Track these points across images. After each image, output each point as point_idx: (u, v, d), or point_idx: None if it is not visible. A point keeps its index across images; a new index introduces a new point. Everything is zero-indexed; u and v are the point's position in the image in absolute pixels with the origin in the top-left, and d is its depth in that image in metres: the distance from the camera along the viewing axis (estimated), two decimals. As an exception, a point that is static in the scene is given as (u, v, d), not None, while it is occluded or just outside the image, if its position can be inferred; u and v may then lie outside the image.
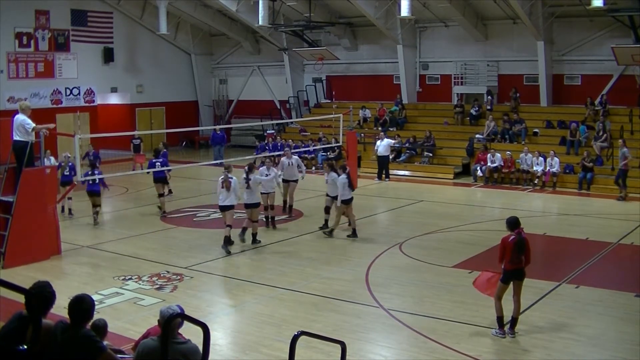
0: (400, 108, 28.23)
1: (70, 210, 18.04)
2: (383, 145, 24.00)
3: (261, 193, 15.58)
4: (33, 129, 13.06)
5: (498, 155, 23.13)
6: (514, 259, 9.15)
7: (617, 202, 19.77)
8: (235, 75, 35.33)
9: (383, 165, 24.13)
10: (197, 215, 18.24)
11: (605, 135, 22.59)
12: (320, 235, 15.53)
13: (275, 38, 31.46)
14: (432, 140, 25.61)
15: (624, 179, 20.17)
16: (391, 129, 27.10)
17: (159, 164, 18.07)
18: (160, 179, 18.18)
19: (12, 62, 27.59)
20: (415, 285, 11.98)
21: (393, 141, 24.68)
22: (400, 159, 25.70)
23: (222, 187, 14.03)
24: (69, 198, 17.60)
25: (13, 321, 5.39)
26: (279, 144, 26.74)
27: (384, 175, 24.05)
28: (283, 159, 17.76)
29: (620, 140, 21.02)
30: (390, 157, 24.92)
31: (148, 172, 18.70)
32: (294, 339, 5.47)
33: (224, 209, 14.20)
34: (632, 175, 21.06)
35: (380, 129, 27.02)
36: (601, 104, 24.06)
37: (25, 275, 11.62)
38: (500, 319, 9.30)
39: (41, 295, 4.90)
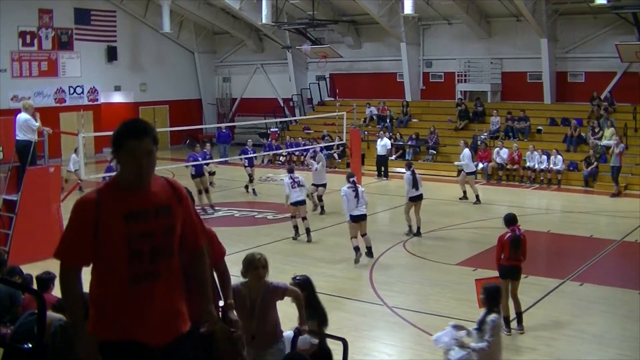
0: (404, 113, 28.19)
1: None
2: (381, 145, 23.96)
3: None
4: (38, 129, 13.12)
5: (505, 149, 23.11)
6: (511, 256, 9.22)
7: (614, 199, 19.75)
8: (238, 73, 35.33)
9: (381, 164, 24.09)
10: (202, 213, 18.25)
11: (601, 132, 22.57)
12: (324, 233, 15.55)
13: (278, 36, 31.45)
14: (436, 137, 25.60)
15: (617, 175, 20.18)
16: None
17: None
18: None
19: (16, 61, 27.64)
20: (419, 283, 11.98)
21: (389, 142, 24.51)
22: (406, 157, 25.69)
23: None
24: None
25: (24, 320, 5.44)
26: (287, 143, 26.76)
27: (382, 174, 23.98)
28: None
29: (617, 137, 21.01)
30: (393, 156, 24.87)
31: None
32: (295, 336, 5.56)
33: None
34: (637, 173, 21.06)
35: (380, 127, 27.03)
36: (607, 99, 24.03)
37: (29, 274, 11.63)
38: (506, 318, 9.32)
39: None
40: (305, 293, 6.10)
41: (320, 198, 17.75)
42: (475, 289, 9.51)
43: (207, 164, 19.37)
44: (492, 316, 6.61)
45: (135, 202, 3.45)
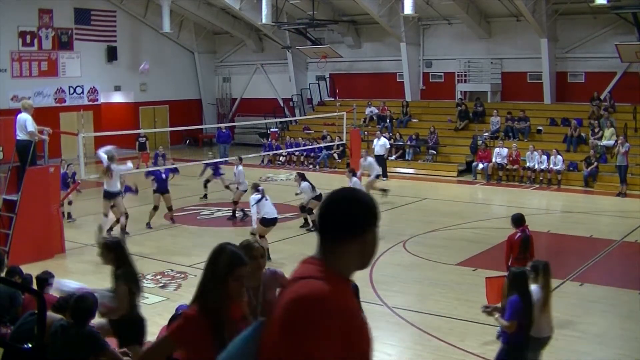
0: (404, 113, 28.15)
1: (69, 214, 17.29)
2: (379, 145, 23.87)
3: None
4: (31, 134, 13.02)
5: (505, 149, 23.11)
6: (520, 256, 9.17)
7: (620, 198, 19.78)
8: (238, 73, 35.34)
9: (379, 164, 23.97)
10: (201, 213, 18.27)
11: (601, 132, 22.58)
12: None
13: (278, 36, 31.45)
14: (436, 137, 25.59)
15: (625, 175, 20.21)
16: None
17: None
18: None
19: (16, 61, 27.65)
20: (419, 283, 11.98)
21: (387, 141, 24.44)
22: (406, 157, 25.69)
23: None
24: (69, 202, 17.25)
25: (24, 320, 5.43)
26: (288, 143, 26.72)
27: (380, 175, 23.88)
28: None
29: (622, 137, 21.02)
30: (393, 156, 24.83)
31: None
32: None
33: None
34: (637, 173, 21.05)
35: (380, 127, 27.03)
36: (607, 100, 24.03)
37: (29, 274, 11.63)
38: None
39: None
40: (113, 254, 6.25)
41: (310, 211, 16.21)
42: (485, 287, 9.56)
43: (167, 178, 17.13)
44: None
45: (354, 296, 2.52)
